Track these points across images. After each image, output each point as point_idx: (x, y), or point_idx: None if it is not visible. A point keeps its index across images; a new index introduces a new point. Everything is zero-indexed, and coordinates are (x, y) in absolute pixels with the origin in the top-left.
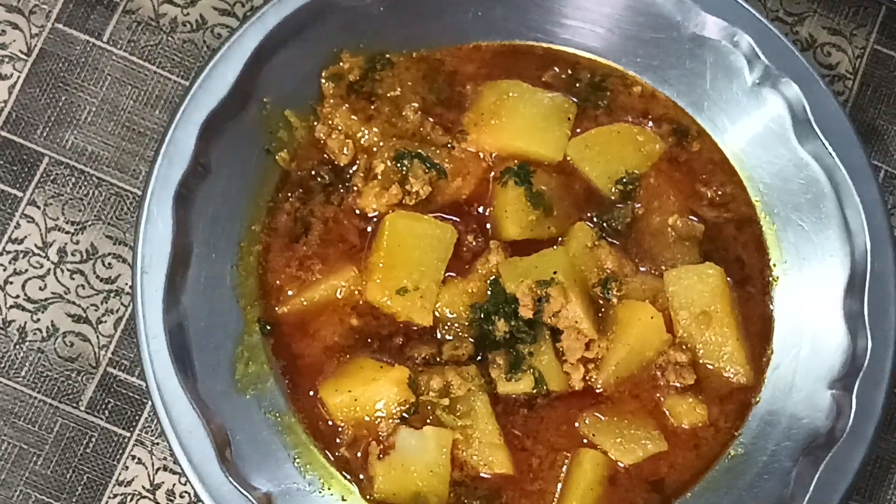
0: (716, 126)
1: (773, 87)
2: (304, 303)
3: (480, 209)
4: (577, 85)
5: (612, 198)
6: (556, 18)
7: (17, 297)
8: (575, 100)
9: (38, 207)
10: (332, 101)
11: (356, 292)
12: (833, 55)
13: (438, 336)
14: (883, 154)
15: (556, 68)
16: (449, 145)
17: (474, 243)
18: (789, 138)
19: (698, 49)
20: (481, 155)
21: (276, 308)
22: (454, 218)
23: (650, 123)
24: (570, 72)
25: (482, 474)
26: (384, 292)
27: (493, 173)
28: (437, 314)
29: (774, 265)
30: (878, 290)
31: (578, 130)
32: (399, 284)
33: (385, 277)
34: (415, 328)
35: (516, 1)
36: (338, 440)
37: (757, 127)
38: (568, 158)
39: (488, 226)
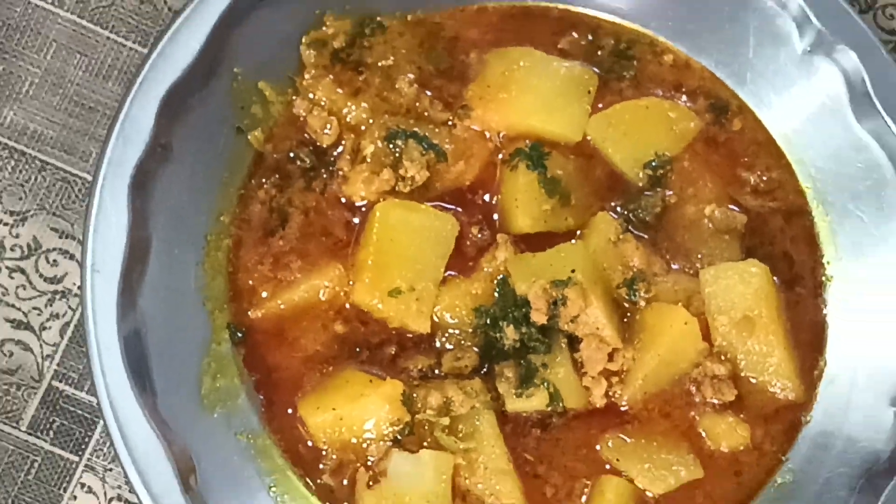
0: (760, 101)
1: (827, 56)
2: (282, 306)
3: (486, 197)
4: (599, 53)
5: (640, 184)
6: None
7: None
8: (596, 70)
9: None
10: (313, 71)
11: (342, 294)
12: None
13: (437, 345)
14: None
15: (574, 34)
16: (450, 123)
17: (479, 237)
18: (845, 115)
19: (740, 11)
20: (487, 135)
21: (249, 312)
22: (456, 208)
23: (684, 98)
24: (590, 38)
25: None
26: (374, 294)
27: (500, 156)
28: (435, 319)
29: (828, 263)
30: None
31: (601, 106)
32: (391, 285)
33: (375, 277)
34: (410, 336)
35: None
36: (320, 466)
37: (808, 102)
38: (588, 139)
39: (495, 217)
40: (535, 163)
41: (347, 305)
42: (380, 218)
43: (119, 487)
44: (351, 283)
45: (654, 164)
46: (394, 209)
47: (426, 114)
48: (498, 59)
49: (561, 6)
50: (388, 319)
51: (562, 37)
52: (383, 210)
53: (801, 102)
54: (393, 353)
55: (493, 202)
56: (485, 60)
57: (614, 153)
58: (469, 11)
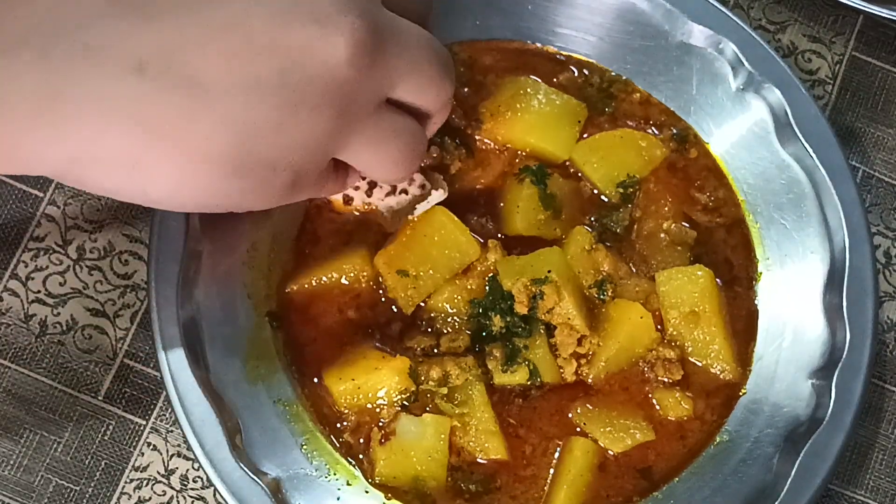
0: (702, 130)
1: (757, 93)
2: (314, 283)
3: (493, 201)
4: (589, 89)
5: (613, 201)
6: (549, 27)
7: (38, 291)
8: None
9: (58, 207)
10: None
11: (361, 277)
12: (813, 61)
13: (439, 329)
14: (860, 155)
15: (572, 69)
16: (464, 128)
17: (485, 224)
18: (771, 141)
19: (685, 56)
20: (497, 149)
21: (286, 289)
22: (472, 216)
23: (652, 129)
24: (585, 74)
25: (478, 460)
26: (389, 264)
27: (511, 170)
28: (435, 307)
29: (758, 262)
30: (856, 284)
31: (585, 136)
32: (403, 266)
33: (397, 252)
34: (411, 318)
35: (512, 10)
36: (342, 426)
37: (741, 130)
38: (573, 161)
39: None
40: (538, 179)
41: (366, 283)
42: (428, 212)
43: (178, 446)
44: (378, 253)
45: (625, 183)
46: (442, 212)
47: (452, 117)
48: (510, 84)
49: (552, 49)
50: (388, 288)
51: (561, 73)
52: (434, 209)
53: (735, 130)
54: (399, 330)
55: (500, 205)
56: (499, 84)
57: (593, 174)
58: (481, 43)
